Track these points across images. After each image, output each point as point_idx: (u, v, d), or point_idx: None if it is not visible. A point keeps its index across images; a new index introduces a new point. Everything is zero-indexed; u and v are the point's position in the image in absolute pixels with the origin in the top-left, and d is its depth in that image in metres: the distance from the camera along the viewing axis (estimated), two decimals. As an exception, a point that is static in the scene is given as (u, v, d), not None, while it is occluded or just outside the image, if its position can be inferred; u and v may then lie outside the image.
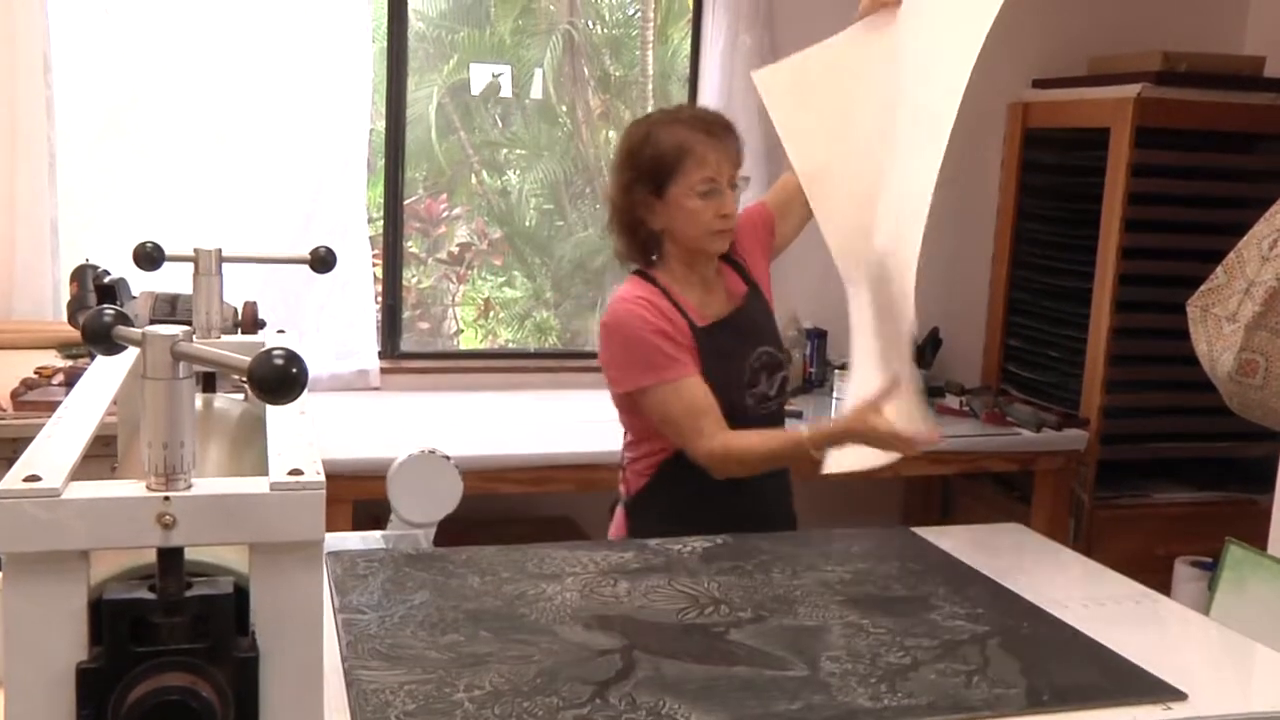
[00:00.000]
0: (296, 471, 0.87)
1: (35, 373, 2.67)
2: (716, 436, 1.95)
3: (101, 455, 1.23)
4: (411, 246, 4.63)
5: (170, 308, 2.32)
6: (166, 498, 0.83)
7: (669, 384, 1.96)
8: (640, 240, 2.05)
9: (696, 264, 2.06)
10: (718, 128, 2.00)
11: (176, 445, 0.84)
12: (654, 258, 2.06)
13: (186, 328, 0.85)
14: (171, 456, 0.84)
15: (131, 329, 0.88)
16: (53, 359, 2.85)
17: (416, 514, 1.79)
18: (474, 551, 1.72)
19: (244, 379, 0.81)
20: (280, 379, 0.78)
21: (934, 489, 3.97)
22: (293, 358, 0.79)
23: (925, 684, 1.34)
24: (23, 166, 3.05)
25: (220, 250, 1.44)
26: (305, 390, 0.91)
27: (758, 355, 2.07)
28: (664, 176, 1.98)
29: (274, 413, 1.06)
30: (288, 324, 2.36)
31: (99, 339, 0.89)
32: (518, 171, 4.87)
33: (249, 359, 0.80)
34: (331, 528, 2.24)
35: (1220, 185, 3.56)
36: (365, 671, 1.30)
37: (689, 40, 3.84)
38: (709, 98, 3.58)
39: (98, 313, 0.89)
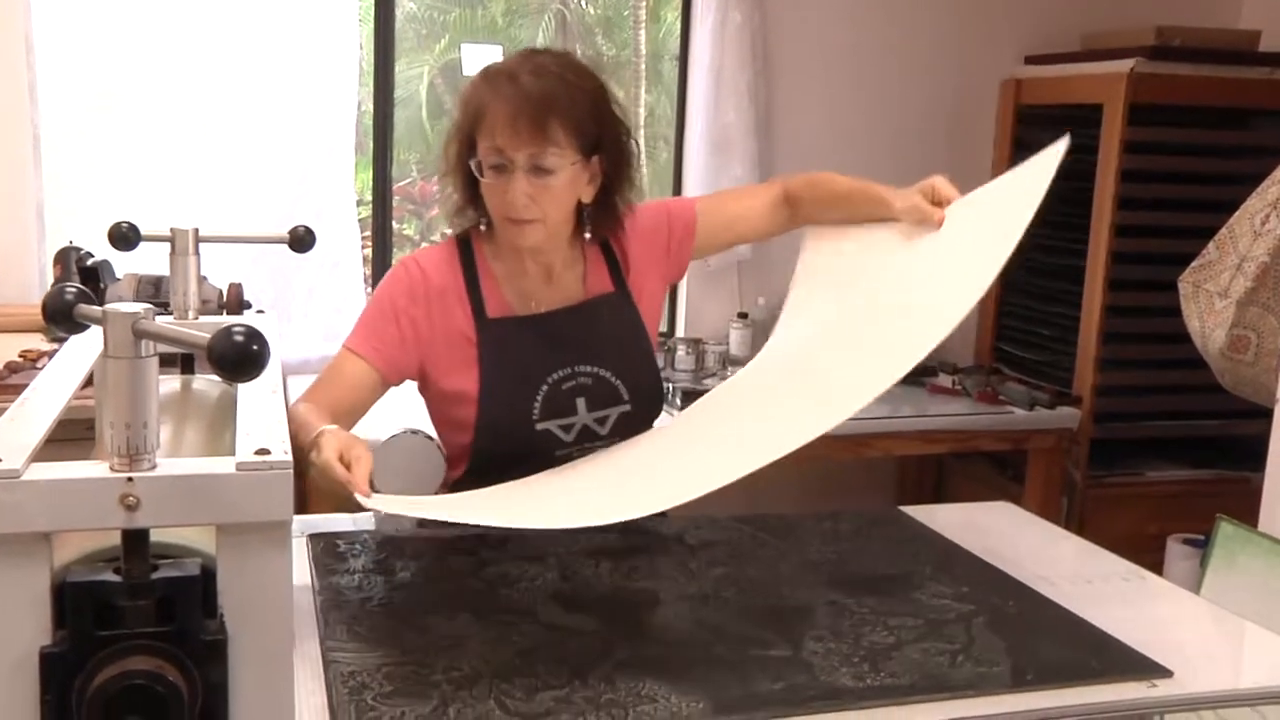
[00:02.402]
0: (264, 451, 0.86)
1: (20, 356, 2.65)
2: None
3: (85, 439, 1.22)
4: (405, 229, 4.60)
5: (154, 289, 2.30)
6: (130, 478, 0.82)
7: (341, 351, 1.74)
8: (467, 199, 1.69)
9: None
10: (526, 92, 1.55)
11: (140, 425, 0.82)
12: (483, 225, 1.70)
13: (149, 305, 0.83)
14: (135, 437, 0.82)
15: (92, 307, 0.86)
16: (38, 343, 2.83)
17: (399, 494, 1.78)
18: (456, 532, 1.70)
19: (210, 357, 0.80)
20: (239, 356, 0.77)
21: (927, 468, 3.96)
22: (253, 335, 0.77)
23: (909, 663, 1.33)
24: (6, 149, 3.03)
25: (197, 230, 1.42)
26: (271, 368, 0.90)
27: (574, 372, 1.71)
28: (469, 138, 1.62)
29: (245, 392, 1.05)
30: (276, 307, 2.35)
31: (60, 318, 0.88)
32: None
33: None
34: (319, 509, 2.23)
35: (1214, 161, 3.54)
36: (343, 653, 1.29)
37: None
38: (699, 76, 3.55)
39: (59, 291, 0.88)
